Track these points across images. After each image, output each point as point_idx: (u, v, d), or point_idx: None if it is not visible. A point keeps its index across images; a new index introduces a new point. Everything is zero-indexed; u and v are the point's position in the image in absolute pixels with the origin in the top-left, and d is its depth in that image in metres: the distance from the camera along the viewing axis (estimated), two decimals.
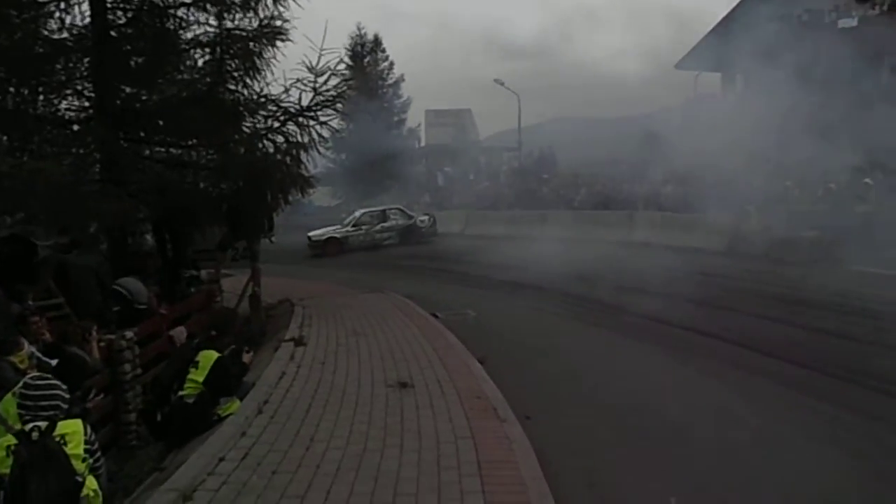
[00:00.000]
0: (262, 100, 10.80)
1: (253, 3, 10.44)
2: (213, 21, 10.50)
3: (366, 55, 39.52)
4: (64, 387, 4.26)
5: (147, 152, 10.91)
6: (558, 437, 6.20)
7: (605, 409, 7.05)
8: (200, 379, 6.40)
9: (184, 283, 11.04)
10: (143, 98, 10.61)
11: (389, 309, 12.18)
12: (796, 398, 7.18)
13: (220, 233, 12.21)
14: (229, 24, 10.50)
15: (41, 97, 9.83)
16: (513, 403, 6.70)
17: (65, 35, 9.88)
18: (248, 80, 10.60)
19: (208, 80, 10.51)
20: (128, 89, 10.41)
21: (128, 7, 10.20)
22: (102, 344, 6.95)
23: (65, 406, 4.19)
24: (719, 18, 25.17)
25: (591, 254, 16.23)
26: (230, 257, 13.49)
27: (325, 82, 10.77)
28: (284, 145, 10.89)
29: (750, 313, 11.00)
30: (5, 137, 9.80)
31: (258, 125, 10.93)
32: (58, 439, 3.95)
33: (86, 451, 4.05)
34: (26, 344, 5.95)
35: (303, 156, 11.05)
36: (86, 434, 4.11)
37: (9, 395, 4.47)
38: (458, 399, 6.82)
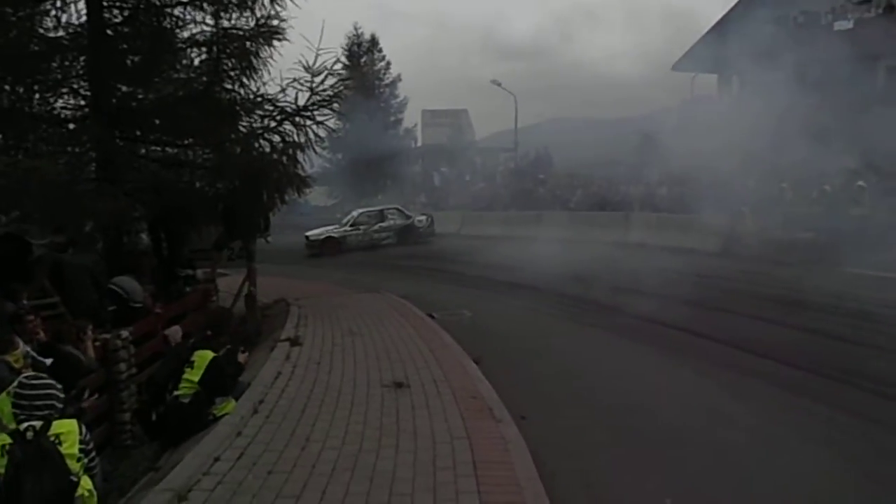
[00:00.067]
0: (259, 99, 10.79)
1: (250, 3, 10.43)
2: (209, 20, 10.50)
3: (362, 55, 39.46)
4: (59, 386, 4.26)
5: (143, 151, 10.90)
6: (553, 437, 6.21)
7: (600, 410, 7.06)
8: (196, 378, 6.39)
9: (179, 282, 11.03)
10: (139, 97, 10.60)
11: (385, 309, 12.18)
12: (791, 399, 7.19)
13: (216, 232, 12.20)
14: (226, 24, 10.49)
15: (37, 95, 9.82)
16: (508, 404, 6.70)
17: (61, 33, 9.89)
18: (244, 80, 10.59)
19: (205, 79, 10.48)
20: (124, 88, 10.40)
21: (124, 5, 10.19)
22: (97, 343, 6.95)
23: (60, 406, 4.18)
24: (716, 20, 25.24)
25: (586, 254, 16.25)
26: (226, 257, 13.48)
27: (322, 82, 10.78)
28: (281, 145, 10.88)
29: (745, 314, 11.02)
30: (0, 136, 9.77)
31: (254, 124, 10.93)
32: (52, 439, 3.95)
33: (81, 450, 4.05)
34: (21, 343, 5.94)
35: (299, 155, 11.05)
36: (81, 434, 4.10)
37: (3, 395, 4.45)
38: (453, 399, 6.82)
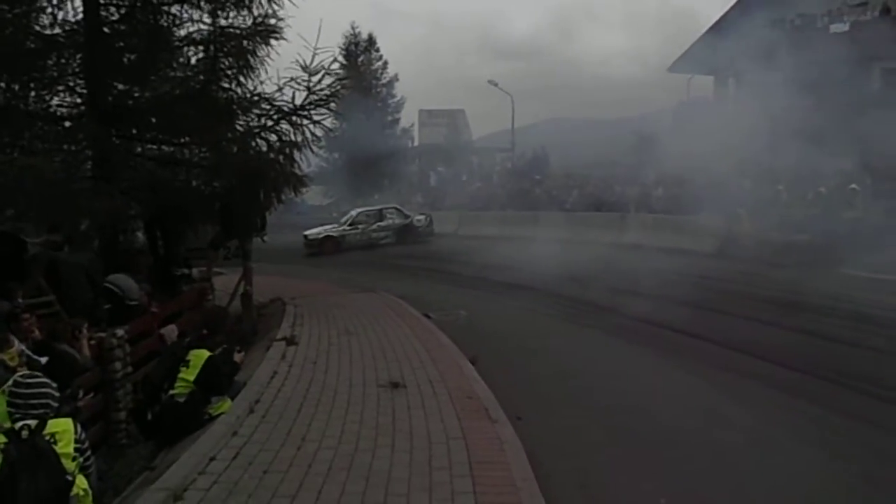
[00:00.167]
0: (256, 98, 10.78)
1: (247, 1, 10.42)
2: (206, 18, 10.49)
3: (360, 54, 39.47)
4: (54, 385, 4.25)
5: (139, 150, 10.88)
6: (549, 437, 6.22)
7: (596, 410, 7.07)
8: (191, 378, 6.37)
9: (175, 281, 11.00)
10: (136, 95, 10.58)
11: (382, 309, 12.18)
12: (787, 401, 7.21)
13: (212, 231, 12.17)
14: (223, 22, 10.48)
15: (32, 93, 9.78)
16: (504, 404, 6.70)
17: (57, 31, 9.85)
18: (241, 79, 10.57)
19: (201, 77, 10.46)
20: (120, 86, 10.37)
21: (121, 3, 10.17)
22: (93, 342, 6.93)
23: (55, 404, 4.17)
24: (712, 22, 25.28)
25: (582, 255, 16.26)
26: (222, 256, 13.45)
27: (319, 81, 10.77)
28: (278, 144, 10.87)
29: (742, 316, 11.04)
30: None
31: (251, 123, 10.91)
32: (48, 438, 3.93)
33: (76, 449, 4.04)
34: (16, 342, 5.93)
35: (296, 155, 11.03)
36: (76, 433, 4.09)
37: None
38: (449, 399, 6.82)
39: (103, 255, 10.06)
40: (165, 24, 10.30)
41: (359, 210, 25.83)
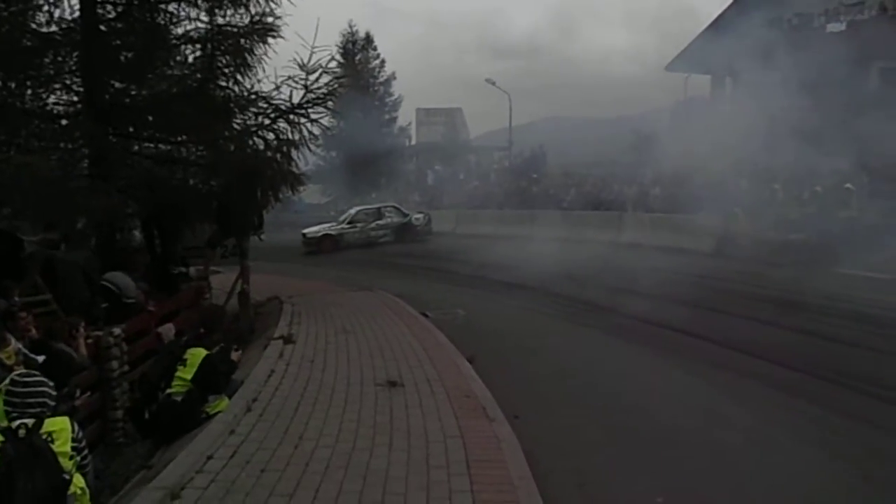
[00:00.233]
0: (253, 97, 10.77)
1: (244, 0, 10.40)
2: (203, 17, 10.48)
3: (357, 53, 39.39)
4: (51, 384, 4.23)
5: (136, 148, 10.87)
6: (547, 436, 6.21)
7: (594, 409, 7.06)
8: (189, 376, 6.36)
9: (173, 279, 10.98)
10: (133, 93, 10.56)
11: (379, 307, 12.16)
12: (785, 400, 7.21)
13: (209, 229, 12.16)
14: (220, 20, 10.47)
15: (29, 91, 9.75)
16: (502, 403, 6.70)
17: (53, 29, 9.81)
18: (238, 77, 10.57)
19: (199, 76, 10.45)
20: (117, 84, 10.36)
21: (117, 1, 10.16)
22: (90, 340, 6.91)
23: (52, 403, 4.15)
24: (710, 21, 25.29)
25: (580, 254, 16.27)
26: (219, 254, 13.44)
27: (317, 80, 10.78)
28: (275, 142, 10.86)
29: (740, 315, 11.05)
30: None
31: (249, 122, 10.90)
32: (45, 437, 3.92)
33: (73, 448, 4.02)
34: (13, 340, 5.91)
35: (293, 153, 11.03)
36: (73, 431, 4.08)
37: None
38: (447, 398, 6.81)
39: (100, 254, 10.04)
40: (162, 22, 10.29)
41: (358, 208, 25.80)
